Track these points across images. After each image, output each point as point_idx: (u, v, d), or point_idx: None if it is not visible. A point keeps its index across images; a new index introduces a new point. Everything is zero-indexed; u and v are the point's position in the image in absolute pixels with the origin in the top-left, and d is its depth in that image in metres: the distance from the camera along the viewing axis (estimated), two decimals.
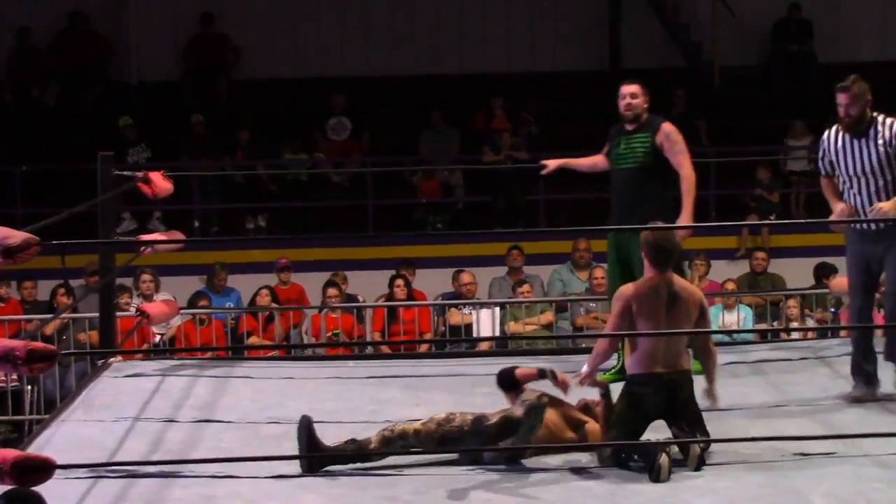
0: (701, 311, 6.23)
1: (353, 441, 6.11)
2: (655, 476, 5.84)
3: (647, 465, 5.89)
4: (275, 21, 16.74)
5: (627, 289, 6.26)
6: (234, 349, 10.26)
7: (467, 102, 15.72)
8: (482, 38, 16.91)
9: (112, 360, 8.38)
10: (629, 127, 7.81)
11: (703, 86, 16.52)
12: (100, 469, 5.96)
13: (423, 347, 10.79)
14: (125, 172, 8.66)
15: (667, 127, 7.63)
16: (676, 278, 6.29)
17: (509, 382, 6.37)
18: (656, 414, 6.15)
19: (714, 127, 15.69)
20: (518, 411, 5.98)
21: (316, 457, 6.01)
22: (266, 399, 7.60)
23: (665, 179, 7.61)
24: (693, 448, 5.96)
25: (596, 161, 8.25)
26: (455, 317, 11.25)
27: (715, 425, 6.78)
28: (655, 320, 6.12)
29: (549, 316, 11.18)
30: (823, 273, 12.03)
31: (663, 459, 5.84)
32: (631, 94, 7.82)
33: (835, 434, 6.29)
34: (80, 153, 12.82)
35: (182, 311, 10.49)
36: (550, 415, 6.19)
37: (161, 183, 8.49)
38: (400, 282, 11.89)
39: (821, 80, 16.44)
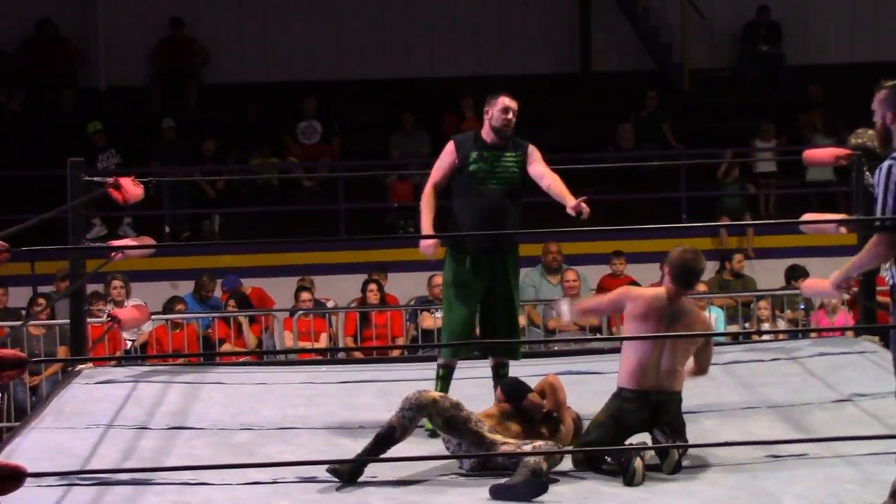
0: (706, 339, 6.20)
1: (380, 437, 6.04)
2: (629, 480, 5.85)
3: (622, 468, 5.89)
4: (244, 25, 16.70)
5: (633, 288, 6.24)
6: (206, 355, 10.21)
7: (438, 105, 15.72)
8: (453, 41, 16.92)
9: (83, 366, 8.34)
10: (497, 143, 7.04)
11: (673, 88, 16.57)
12: (71, 477, 5.92)
13: (396, 352, 10.77)
14: (95, 178, 8.62)
15: (531, 146, 7.24)
16: (689, 302, 6.24)
17: (513, 398, 6.38)
18: (639, 429, 6.14)
19: (684, 129, 15.74)
20: (540, 463, 5.82)
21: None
22: (238, 405, 7.58)
23: (523, 198, 7.33)
24: (672, 454, 5.96)
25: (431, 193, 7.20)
26: (428, 321, 11.24)
27: (688, 427, 6.81)
28: (652, 331, 6.09)
29: (520, 320, 11.17)
30: (795, 275, 12.08)
31: (637, 463, 5.85)
32: (514, 110, 7.12)
33: (808, 437, 6.32)
34: (50, 159, 12.75)
35: (154, 315, 10.44)
36: (512, 427, 6.23)
37: (131, 189, 8.45)
38: (373, 286, 11.87)
39: (790, 81, 16.55)
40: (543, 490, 5.71)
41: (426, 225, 7.02)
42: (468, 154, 6.96)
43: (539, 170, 7.16)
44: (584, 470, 6.06)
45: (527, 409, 6.34)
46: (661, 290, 6.21)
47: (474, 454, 6.04)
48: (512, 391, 6.42)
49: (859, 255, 5.28)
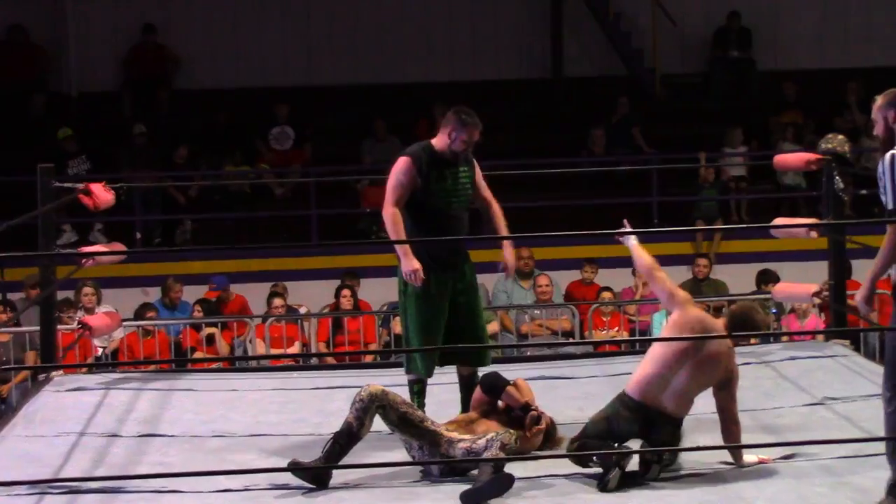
0: (727, 378, 6.08)
1: (338, 435, 6.07)
2: (602, 486, 5.85)
3: (600, 474, 5.89)
4: (216, 31, 16.65)
5: (691, 305, 6.16)
6: (177, 362, 10.18)
7: (410, 111, 15.71)
8: (424, 46, 16.92)
9: (53, 373, 8.30)
10: (451, 159, 6.81)
11: (644, 93, 16.61)
12: (42, 485, 5.89)
13: (369, 357, 10.76)
14: (66, 184, 8.59)
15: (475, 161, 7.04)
16: (726, 342, 6.12)
17: (493, 391, 6.39)
18: (628, 438, 6.10)
19: (655, 134, 15.77)
20: (497, 452, 5.90)
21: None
22: (210, 412, 7.56)
23: None
24: (653, 470, 5.95)
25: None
26: (400, 326, 11.23)
27: None
28: (676, 348, 6.04)
29: (493, 326, 11.18)
30: (765, 279, 12.13)
31: (614, 474, 5.83)
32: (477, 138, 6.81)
33: (780, 441, 6.33)
34: (20, 165, 12.70)
35: (125, 322, 10.40)
36: (489, 425, 6.24)
37: (102, 195, 8.42)
38: (346, 292, 11.86)
39: (760, 87, 16.62)
40: (510, 481, 5.73)
41: (406, 249, 6.64)
42: (429, 171, 6.72)
43: (487, 196, 7.09)
44: (576, 463, 6.04)
45: (507, 402, 6.41)
46: (712, 321, 6.18)
47: (442, 461, 6.04)
48: (492, 385, 6.44)
49: (880, 256, 5.30)
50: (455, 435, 6.12)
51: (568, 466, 6.11)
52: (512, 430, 6.17)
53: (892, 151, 5.28)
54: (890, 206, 5.25)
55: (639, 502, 5.73)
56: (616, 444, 6.05)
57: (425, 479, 6.10)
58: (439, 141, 6.83)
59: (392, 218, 6.73)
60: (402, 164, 6.75)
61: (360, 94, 16.32)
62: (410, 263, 6.62)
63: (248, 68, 16.60)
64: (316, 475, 5.98)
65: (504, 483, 5.74)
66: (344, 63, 16.72)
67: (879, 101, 5.47)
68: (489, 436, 6.02)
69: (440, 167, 6.74)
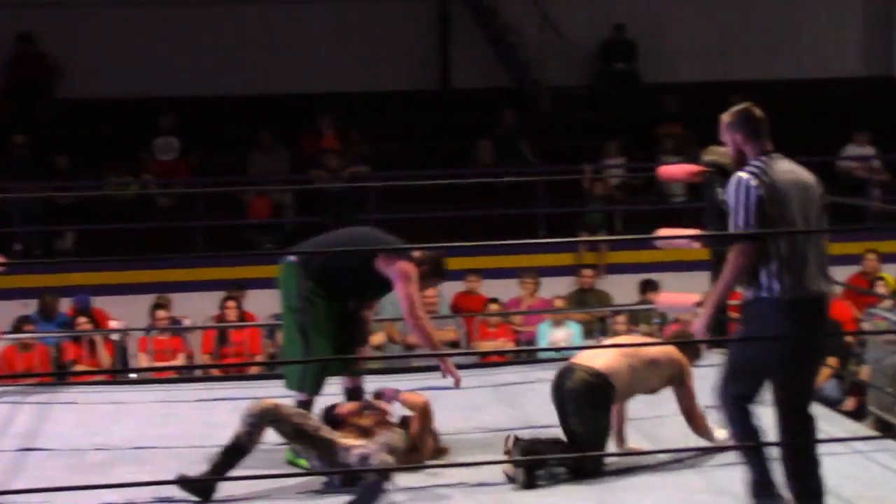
0: (678, 376, 6.40)
1: (227, 448, 6.01)
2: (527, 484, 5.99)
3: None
4: (98, 41, 16.44)
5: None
6: (58, 375, 10.01)
7: (296, 122, 15.65)
8: (311, 57, 16.87)
9: None
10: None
11: (530, 105, 16.73)
12: None
13: (255, 369, 10.68)
14: None
15: None
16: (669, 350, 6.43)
17: (334, 421, 6.37)
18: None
19: (542, 146, 15.89)
20: (388, 458, 5.90)
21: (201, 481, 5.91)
22: (92, 425, 7.45)
23: None
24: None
25: None
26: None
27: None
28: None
29: (380, 336, 11.17)
30: (647, 289, 12.30)
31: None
32: None
33: (661, 449, 6.39)
34: None
35: (3, 335, 10.22)
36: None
37: None
38: (231, 303, 11.77)
39: (645, 98, 16.83)
40: (378, 490, 5.70)
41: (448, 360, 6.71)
42: None
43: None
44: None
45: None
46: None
47: (337, 470, 6.02)
48: (330, 422, 6.40)
49: (722, 279, 5.30)
50: (350, 441, 6.10)
51: (458, 476, 6.13)
52: (400, 431, 6.16)
53: (738, 174, 5.30)
54: (736, 228, 5.25)
55: None
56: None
57: (327, 489, 6.06)
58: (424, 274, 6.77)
59: (424, 326, 6.58)
60: (410, 275, 6.58)
61: (245, 104, 16.22)
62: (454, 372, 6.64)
63: (131, 78, 16.41)
64: (202, 488, 5.92)
65: (374, 491, 5.73)
66: (230, 73, 16.61)
67: (725, 119, 5.48)
68: (380, 439, 6.01)
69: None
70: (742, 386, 5.35)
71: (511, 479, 6.10)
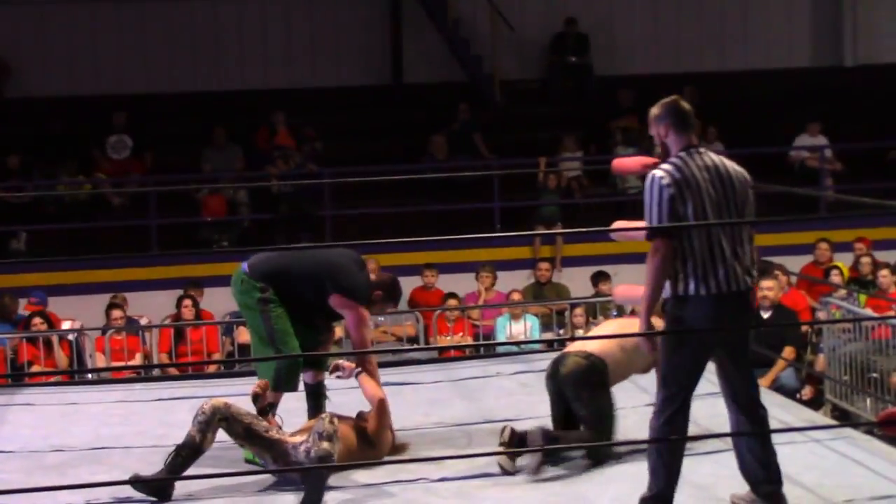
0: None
1: (180, 447, 5.99)
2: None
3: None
4: (47, 38, 16.29)
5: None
6: (14, 376, 9.93)
7: (250, 119, 15.59)
8: (263, 53, 16.80)
9: None
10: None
11: (484, 99, 16.73)
12: None
13: (212, 367, 10.63)
14: None
15: None
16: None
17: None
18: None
19: (496, 139, 15.89)
20: (324, 444, 5.91)
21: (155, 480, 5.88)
22: (49, 426, 7.40)
23: None
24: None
25: None
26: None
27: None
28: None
29: (338, 331, 11.14)
30: (599, 280, 12.40)
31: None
32: None
33: (622, 440, 6.42)
34: None
35: None
36: (342, 430, 6.19)
37: None
38: (187, 302, 11.71)
39: (598, 91, 16.87)
40: (320, 480, 5.73)
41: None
42: None
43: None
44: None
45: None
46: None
47: (291, 468, 6.01)
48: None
49: (647, 284, 5.26)
50: (297, 438, 6.09)
51: (413, 472, 6.13)
52: (328, 415, 6.10)
53: (653, 172, 5.28)
54: (646, 223, 5.24)
55: (486, 503, 5.76)
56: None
57: (284, 486, 6.04)
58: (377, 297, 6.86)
59: (374, 375, 6.69)
60: (364, 319, 6.70)
61: (198, 101, 16.13)
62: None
63: (82, 76, 16.28)
64: (158, 488, 5.90)
65: (316, 482, 5.74)
66: (182, 70, 16.52)
67: (653, 112, 5.47)
68: (316, 428, 5.99)
69: None
70: (681, 392, 5.33)
71: (506, 472, 6.09)
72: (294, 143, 15.32)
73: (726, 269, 5.23)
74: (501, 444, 6.19)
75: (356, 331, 6.64)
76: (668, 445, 5.32)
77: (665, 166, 5.28)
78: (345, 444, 6.15)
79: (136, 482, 5.86)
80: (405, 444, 6.68)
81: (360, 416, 6.50)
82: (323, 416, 6.09)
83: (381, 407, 6.46)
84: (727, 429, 5.55)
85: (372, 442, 6.38)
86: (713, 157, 5.37)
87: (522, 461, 6.19)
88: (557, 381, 6.40)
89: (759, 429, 5.43)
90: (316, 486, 5.71)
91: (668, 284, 5.28)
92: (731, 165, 5.40)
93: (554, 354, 8.78)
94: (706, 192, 5.24)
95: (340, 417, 6.30)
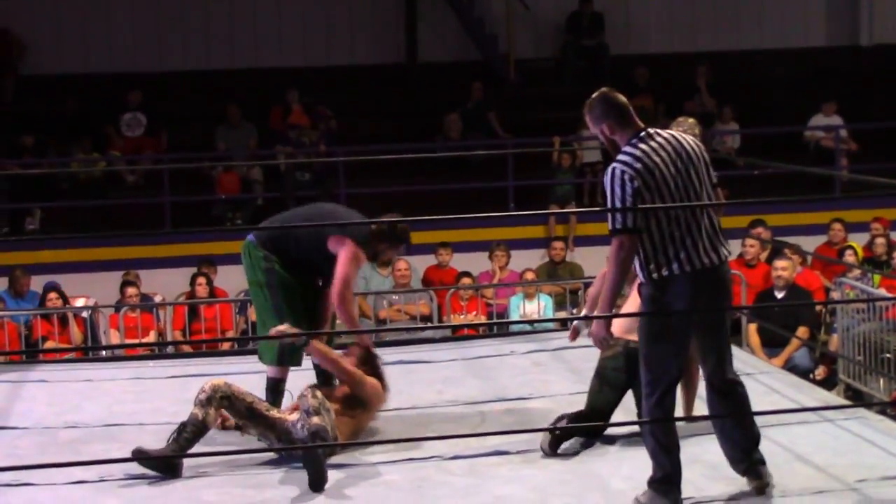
0: None
1: (183, 425, 6.01)
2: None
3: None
4: (61, 15, 16.30)
5: None
6: (29, 353, 9.96)
7: (264, 97, 15.58)
8: (278, 32, 16.79)
9: None
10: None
11: (498, 79, 16.69)
12: None
13: (226, 345, 10.65)
14: None
15: None
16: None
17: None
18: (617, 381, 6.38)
19: (510, 119, 15.86)
20: (314, 419, 5.93)
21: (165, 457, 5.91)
22: (63, 403, 7.42)
23: None
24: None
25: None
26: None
27: (518, 414, 6.89)
28: None
29: None
30: None
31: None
32: None
33: (634, 420, 6.42)
34: None
35: None
36: (331, 403, 6.20)
37: None
38: (201, 279, 11.72)
39: (612, 72, 16.82)
40: (315, 462, 5.73)
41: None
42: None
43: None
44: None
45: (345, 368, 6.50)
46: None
47: (296, 447, 6.02)
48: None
49: (610, 278, 5.23)
50: (294, 416, 6.10)
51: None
52: (311, 391, 6.13)
53: (613, 165, 5.21)
54: (614, 222, 5.17)
55: (496, 483, 5.76)
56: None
57: (293, 465, 6.06)
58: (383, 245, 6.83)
59: (348, 307, 6.62)
60: (356, 257, 6.64)
61: (212, 79, 16.13)
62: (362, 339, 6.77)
63: (96, 54, 16.29)
64: (166, 465, 5.91)
65: (314, 460, 5.76)
66: (196, 48, 16.51)
67: (586, 112, 5.39)
68: (303, 405, 6.02)
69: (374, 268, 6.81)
70: (666, 373, 5.31)
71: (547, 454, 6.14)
72: (308, 121, 15.32)
73: (699, 245, 5.20)
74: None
75: (343, 265, 6.53)
76: (662, 427, 5.31)
77: (622, 157, 5.21)
78: (342, 412, 6.16)
79: (142, 459, 5.88)
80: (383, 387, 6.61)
81: (331, 382, 6.51)
82: (304, 392, 6.09)
83: (336, 367, 6.42)
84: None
85: (361, 400, 6.35)
86: (664, 135, 5.30)
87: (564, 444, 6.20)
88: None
89: (731, 407, 5.42)
90: (315, 463, 5.72)
91: (640, 270, 5.26)
92: (684, 136, 5.35)
93: (566, 333, 8.82)
94: (667, 173, 5.19)
95: (319, 388, 6.28)
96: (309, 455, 5.75)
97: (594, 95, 5.42)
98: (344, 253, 6.57)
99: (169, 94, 15.86)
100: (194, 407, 6.06)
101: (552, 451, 6.13)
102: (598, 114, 5.36)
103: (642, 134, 5.28)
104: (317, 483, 5.70)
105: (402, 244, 6.96)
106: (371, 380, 6.48)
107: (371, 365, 6.58)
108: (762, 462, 5.50)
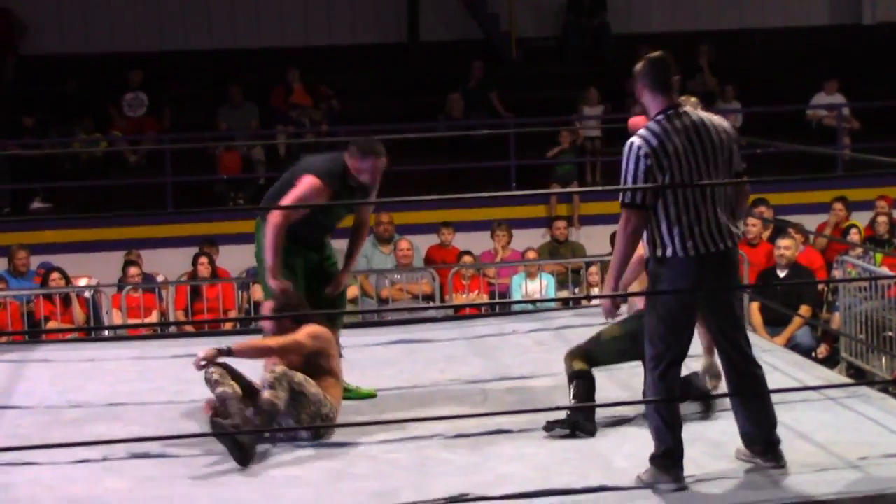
0: None
1: (254, 406, 5.99)
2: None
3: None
4: None
5: None
6: (31, 332, 9.97)
7: (265, 77, 15.56)
8: (279, 11, 16.76)
9: None
10: (356, 186, 6.65)
11: (500, 57, 16.66)
12: None
13: (228, 325, 10.66)
14: None
15: None
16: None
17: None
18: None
19: (512, 98, 15.84)
20: (265, 393, 5.96)
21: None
22: (66, 382, 7.43)
23: None
24: None
25: None
26: (260, 292, 11.14)
27: (520, 393, 6.90)
28: None
29: (353, 290, 11.16)
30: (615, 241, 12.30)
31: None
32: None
33: (634, 400, 6.43)
34: None
35: None
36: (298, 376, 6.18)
37: None
38: (203, 259, 11.72)
39: (614, 50, 16.80)
40: (226, 441, 5.76)
41: (275, 271, 6.51)
42: (336, 195, 6.55)
43: (365, 218, 7.02)
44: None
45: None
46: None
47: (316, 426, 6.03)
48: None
49: (616, 252, 5.26)
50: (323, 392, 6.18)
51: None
52: (270, 367, 6.13)
53: (630, 141, 5.21)
54: (623, 196, 5.19)
55: (498, 462, 5.77)
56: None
57: (284, 443, 6.09)
58: (352, 164, 6.61)
59: (277, 231, 6.52)
60: (315, 188, 6.52)
61: (214, 59, 16.11)
62: (278, 284, 6.51)
63: (97, 33, 16.26)
64: (246, 455, 5.86)
65: (222, 438, 5.80)
66: (198, 28, 16.49)
67: (635, 69, 5.34)
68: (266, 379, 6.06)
69: (347, 195, 6.59)
70: (669, 350, 5.32)
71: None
72: (310, 101, 15.31)
73: (705, 230, 5.20)
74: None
75: (295, 189, 6.50)
76: (665, 403, 5.32)
77: (643, 132, 5.21)
78: (320, 379, 6.18)
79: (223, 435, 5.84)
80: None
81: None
82: (269, 369, 6.10)
83: (262, 349, 6.36)
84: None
85: (315, 355, 6.27)
86: (693, 117, 5.27)
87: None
88: None
89: (752, 387, 5.43)
90: (226, 441, 5.78)
91: (647, 247, 5.26)
92: (714, 121, 5.33)
93: (568, 312, 8.81)
94: (684, 157, 5.18)
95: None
96: (215, 433, 5.78)
97: (649, 55, 5.40)
98: (302, 181, 6.53)
99: (170, 74, 15.84)
100: (266, 392, 5.98)
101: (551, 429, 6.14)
102: (639, 71, 5.35)
103: (670, 112, 5.28)
104: (240, 459, 5.72)
105: (371, 156, 6.56)
106: (302, 332, 6.28)
107: (292, 309, 6.37)
108: (780, 442, 5.51)
